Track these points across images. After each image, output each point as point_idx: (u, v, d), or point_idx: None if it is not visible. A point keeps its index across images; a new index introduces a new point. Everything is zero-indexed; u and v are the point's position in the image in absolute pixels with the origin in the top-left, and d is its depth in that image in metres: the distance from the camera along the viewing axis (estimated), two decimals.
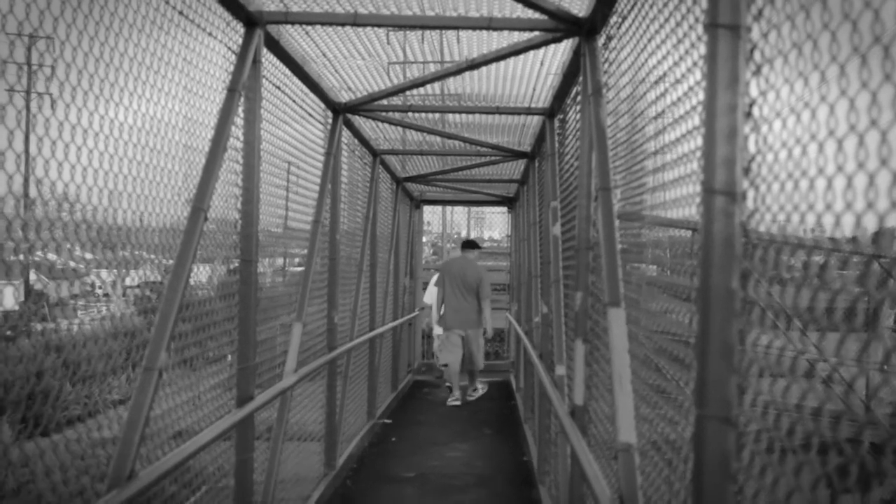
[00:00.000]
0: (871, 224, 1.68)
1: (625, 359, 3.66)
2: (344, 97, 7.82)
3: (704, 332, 2.23)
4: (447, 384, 13.04)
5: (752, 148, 2.20)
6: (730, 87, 2.21)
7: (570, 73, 5.97)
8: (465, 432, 10.49)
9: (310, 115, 7.20)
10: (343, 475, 8.07)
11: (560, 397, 5.63)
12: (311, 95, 7.07)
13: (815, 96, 1.80)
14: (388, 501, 7.45)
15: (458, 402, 12.37)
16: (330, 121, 7.76)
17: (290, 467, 6.52)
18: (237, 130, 5.14)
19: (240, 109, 5.08)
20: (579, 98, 5.51)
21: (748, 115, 2.20)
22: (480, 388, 13.16)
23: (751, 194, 2.20)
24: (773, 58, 2.07)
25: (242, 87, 4.96)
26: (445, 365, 12.58)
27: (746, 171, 2.20)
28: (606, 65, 4.68)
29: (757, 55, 2.19)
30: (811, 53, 1.83)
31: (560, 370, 6.00)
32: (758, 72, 2.18)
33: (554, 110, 7.43)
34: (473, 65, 6.26)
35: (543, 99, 7.70)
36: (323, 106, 7.55)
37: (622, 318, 3.82)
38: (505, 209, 17.21)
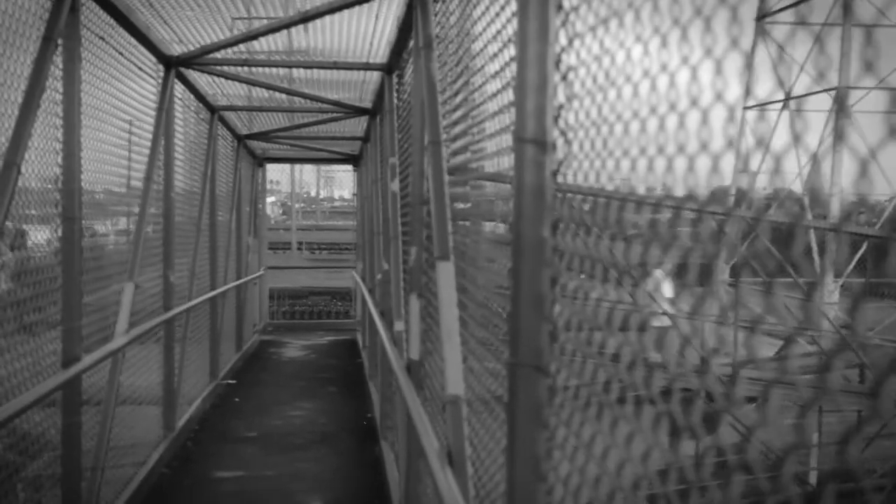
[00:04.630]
0: (680, 166, 1.67)
1: (453, 312, 3.66)
2: (176, 50, 7.52)
3: (517, 281, 2.22)
4: None
5: (561, 97, 2.19)
6: (540, 36, 2.20)
7: (405, 28, 5.91)
8: (310, 391, 10.43)
9: (139, 68, 6.91)
10: (183, 437, 7.88)
11: (398, 353, 5.63)
12: (141, 48, 6.77)
13: (615, 42, 1.79)
14: (229, 461, 7.33)
15: None
16: (162, 75, 7.46)
17: (127, 432, 6.31)
18: (56, 83, 4.90)
19: (58, 60, 4.84)
20: None
21: (557, 64, 2.19)
22: None
23: (561, 143, 2.19)
24: (579, 5, 2.06)
25: (59, 35, 4.69)
26: None
27: (556, 119, 2.19)
28: (438, 17, 4.64)
29: (566, 2, 2.17)
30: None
31: (399, 326, 5.99)
32: (566, 20, 2.17)
33: (392, 66, 7.35)
34: (306, 17, 6.12)
35: (381, 54, 7.60)
36: (154, 59, 7.25)
37: (451, 272, 3.81)
38: (351, 167, 17.04)
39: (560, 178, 2.19)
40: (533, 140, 2.20)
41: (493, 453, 2.99)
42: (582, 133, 2.06)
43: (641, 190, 1.86)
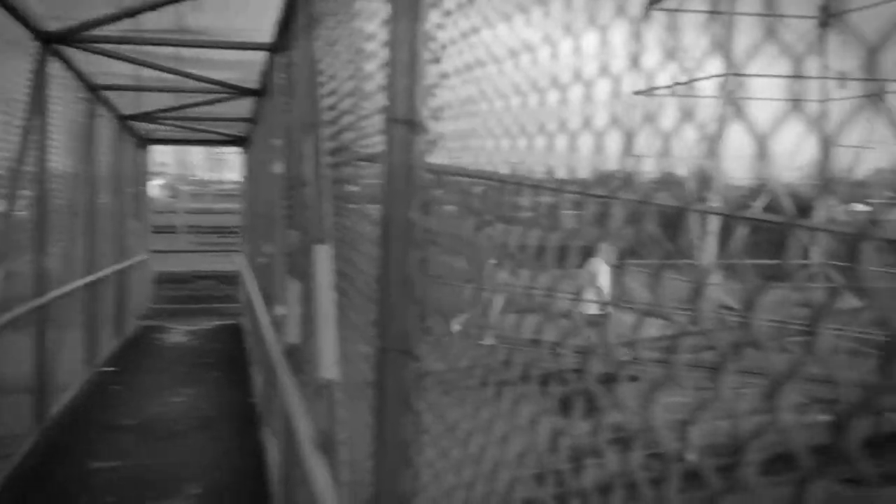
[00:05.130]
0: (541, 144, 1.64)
1: (329, 295, 3.60)
2: (53, 26, 7.20)
3: (385, 264, 2.18)
4: None
5: (432, 77, 2.15)
6: (410, 14, 2.15)
7: (291, 7, 5.79)
8: (192, 377, 10.21)
9: (12, 45, 6.62)
10: (56, 427, 7.60)
11: (278, 337, 5.54)
12: (14, 23, 6.47)
13: (483, 20, 1.76)
14: (105, 451, 7.10)
15: None
16: (36, 52, 7.14)
17: None
18: None
19: None
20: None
21: (428, 42, 2.15)
22: None
23: (431, 124, 2.15)
24: None
25: None
26: None
27: (426, 99, 2.15)
28: None
29: None
30: None
31: (280, 309, 5.89)
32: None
33: (278, 45, 7.21)
34: None
35: (269, 34, 7.44)
36: (29, 35, 6.94)
37: (328, 255, 3.75)
38: (239, 149, 16.68)
39: (430, 159, 2.15)
40: (403, 120, 2.15)
41: (366, 438, 2.94)
42: (452, 112, 2.03)
43: (508, 171, 1.83)
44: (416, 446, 2.13)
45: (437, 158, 2.14)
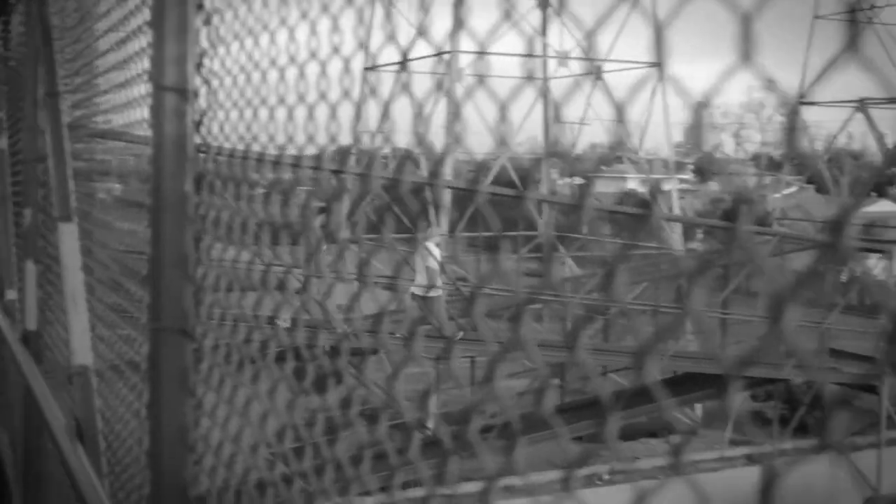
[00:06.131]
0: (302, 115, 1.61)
1: (78, 277, 3.36)
2: None
3: (157, 240, 2.05)
4: None
5: (204, 42, 2.03)
6: None
7: None
8: None
9: None
10: None
11: (12, 324, 5.13)
12: None
13: None
14: None
15: None
16: None
17: None
18: None
19: None
20: None
21: (199, 6, 2.03)
22: None
23: (203, 91, 2.04)
24: None
25: None
26: None
27: (199, 66, 2.04)
28: None
29: None
30: None
31: (11, 295, 5.47)
32: None
33: None
34: None
35: None
36: None
37: (74, 234, 3.50)
38: None
39: (203, 130, 2.04)
40: (173, 87, 2.03)
41: (129, 425, 2.78)
42: (229, 81, 1.93)
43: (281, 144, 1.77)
44: (196, 430, 2.03)
45: (212, 130, 2.03)
